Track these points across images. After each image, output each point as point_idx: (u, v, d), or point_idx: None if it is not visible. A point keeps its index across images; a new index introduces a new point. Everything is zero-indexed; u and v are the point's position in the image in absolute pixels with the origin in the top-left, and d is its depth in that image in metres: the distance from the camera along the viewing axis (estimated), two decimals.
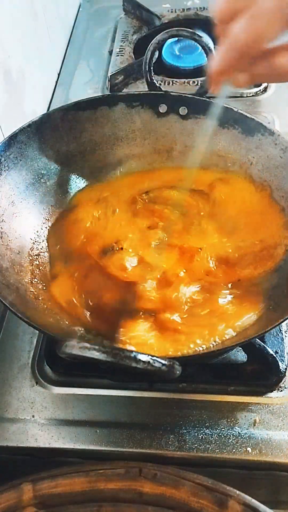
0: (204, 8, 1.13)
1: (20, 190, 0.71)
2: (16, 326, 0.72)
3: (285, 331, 0.68)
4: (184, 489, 0.50)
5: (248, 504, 0.49)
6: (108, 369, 0.62)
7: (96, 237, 0.71)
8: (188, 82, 0.98)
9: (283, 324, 0.68)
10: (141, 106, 0.78)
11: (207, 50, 0.73)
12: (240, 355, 0.66)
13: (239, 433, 0.61)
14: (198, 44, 0.74)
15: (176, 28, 0.75)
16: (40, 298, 0.65)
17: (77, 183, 0.77)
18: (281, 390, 0.64)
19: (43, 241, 0.72)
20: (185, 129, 0.78)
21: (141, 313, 0.63)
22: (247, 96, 0.96)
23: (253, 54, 0.45)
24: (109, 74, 0.98)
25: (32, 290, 0.65)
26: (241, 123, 0.74)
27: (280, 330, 0.68)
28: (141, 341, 0.60)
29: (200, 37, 0.73)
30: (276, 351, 0.66)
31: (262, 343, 0.65)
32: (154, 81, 0.78)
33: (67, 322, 0.63)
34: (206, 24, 1.07)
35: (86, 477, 0.51)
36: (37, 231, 0.72)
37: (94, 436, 0.62)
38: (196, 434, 0.61)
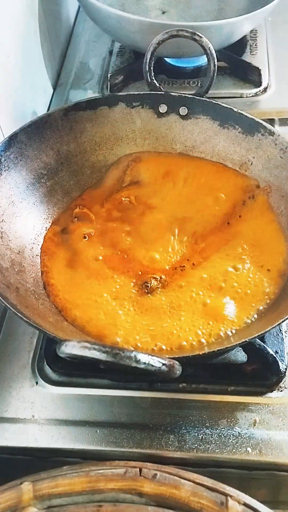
0: None
1: (20, 190, 0.71)
2: (16, 326, 0.72)
3: (285, 331, 0.68)
4: (184, 489, 0.50)
5: (248, 504, 0.48)
6: (108, 369, 0.61)
7: None
8: (188, 82, 0.97)
9: (283, 324, 0.68)
10: (141, 106, 0.78)
11: (207, 50, 0.73)
12: (240, 355, 0.66)
13: (239, 433, 0.61)
14: (198, 44, 0.74)
15: (176, 28, 0.75)
16: (40, 298, 0.65)
17: (77, 183, 0.77)
18: (281, 390, 0.64)
19: (43, 241, 0.72)
20: (185, 129, 0.78)
21: None
22: (247, 96, 0.96)
23: None
24: (109, 74, 0.98)
25: (32, 290, 0.65)
26: (241, 123, 0.74)
27: (280, 330, 0.68)
28: None
29: (200, 37, 0.73)
30: (276, 351, 0.66)
31: (262, 343, 0.65)
32: (154, 81, 0.78)
33: (66, 323, 0.64)
34: None
35: (86, 477, 0.51)
36: (37, 231, 0.72)
37: (94, 436, 0.62)
38: (196, 434, 0.61)
